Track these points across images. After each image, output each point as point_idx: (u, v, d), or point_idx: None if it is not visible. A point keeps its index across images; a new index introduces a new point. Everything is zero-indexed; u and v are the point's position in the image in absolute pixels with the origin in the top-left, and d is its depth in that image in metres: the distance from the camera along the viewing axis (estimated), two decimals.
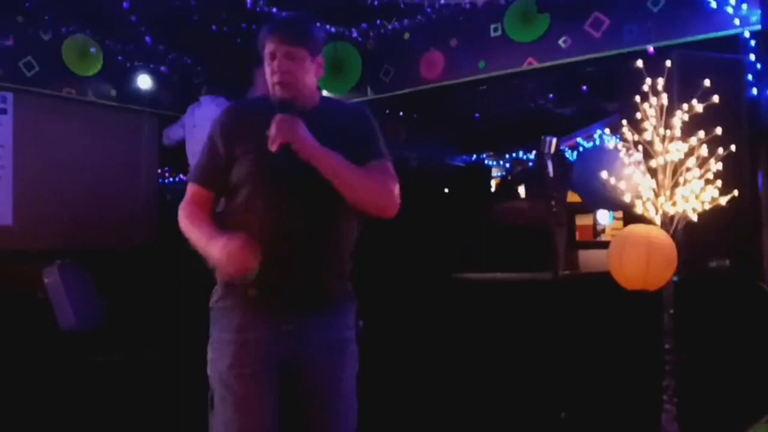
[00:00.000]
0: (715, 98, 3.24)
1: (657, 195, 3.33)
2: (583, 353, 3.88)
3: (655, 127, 3.31)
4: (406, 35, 5.38)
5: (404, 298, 4.30)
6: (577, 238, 5.43)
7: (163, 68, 5.77)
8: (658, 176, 3.33)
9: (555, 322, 3.89)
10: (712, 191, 3.29)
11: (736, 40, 4.09)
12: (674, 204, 3.30)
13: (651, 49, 3.93)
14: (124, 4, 4.77)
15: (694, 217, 3.27)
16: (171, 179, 6.91)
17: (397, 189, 2.08)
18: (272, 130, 1.97)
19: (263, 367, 2.04)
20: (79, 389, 4.24)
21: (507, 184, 6.60)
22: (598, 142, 4.53)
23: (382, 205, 2.06)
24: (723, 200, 3.28)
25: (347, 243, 2.17)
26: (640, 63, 3.29)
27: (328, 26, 5.01)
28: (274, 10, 4.40)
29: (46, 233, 5.17)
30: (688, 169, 3.28)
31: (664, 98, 3.27)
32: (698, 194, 3.29)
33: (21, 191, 5.13)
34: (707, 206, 3.29)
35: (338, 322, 2.14)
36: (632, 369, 3.72)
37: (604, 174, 3.45)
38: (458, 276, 4.35)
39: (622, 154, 3.43)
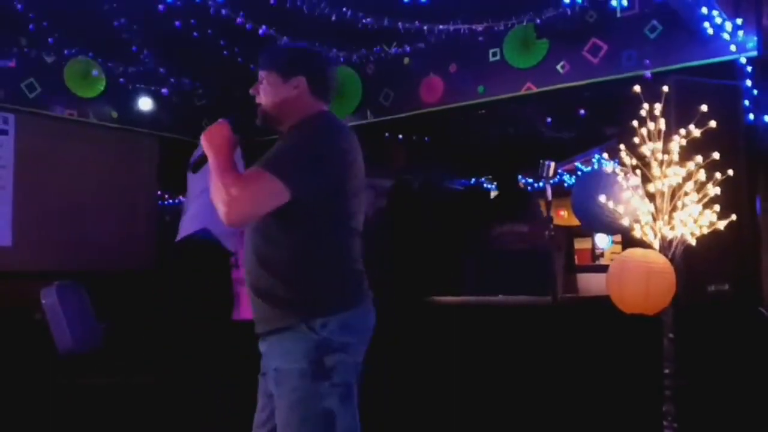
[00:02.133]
0: (713, 123, 3.25)
1: (655, 219, 3.32)
2: (582, 378, 3.84)
3: (653, 152, 3.31)
4: (406, 60, 5.41)
5: (398, 321, 4.27)
6: (576, 261, 5.41)
7: (164, 90, 5.79)
8: (657, 200, 3.32)
9: (553, 347, 3.86)
10: (711, 215, 3.29)
11: (733, 66, 4.11)
12: (672, 228, 3.30)
13: (648, 74, 3.96)
14: (126, 27, 4.80)
15: (693, 241, 3.27)
16: (171, 201, 6.91)
17: (238, 198, 1.93)
18: None
19: (263, 375, 2.24)
20: (75, 412, 4.19)
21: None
22: (596, 166, 4.52)
23: (217, 207, 1.96)
24: (721, 224, 3.28)
25: (279, 265, 2.07)
26: (637, 88, 3.29)
27: (330, 50, 5.02)
28: (272, 32, 4.41)
29: (46, 254, 5.15)
30: (686, 194, 3.28)
31: (662, 123, 3.28)
32: (696, 218, 3.29)
33: (21, 212, 5.12)
34: (705, 230, 3.29)
35: (274, 350, 2.09)
36: (632, 394, 3.67)
37: (602, 198, 3.45)
38: (453, 300, 4.32)
39: (621, 178, 3.42)
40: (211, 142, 2.06)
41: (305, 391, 2.01)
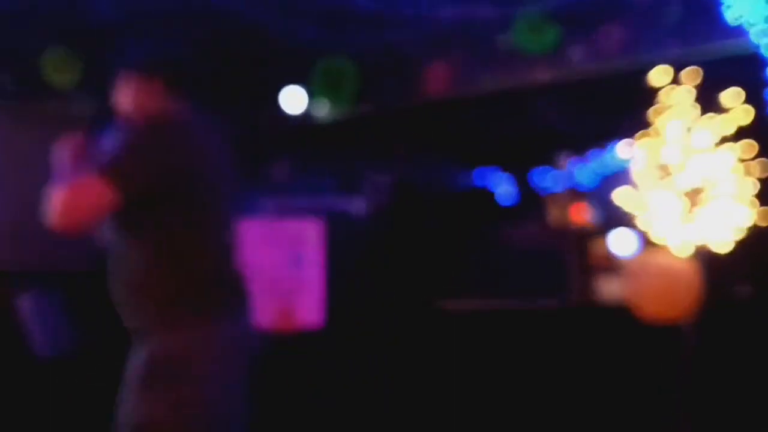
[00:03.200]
0: (735, 116, 3.14)
1: (676, 218, 3.18)
2: (598, 384, 3.73)
3: (673, 146, 3.18)
4: (408, 47, 5.21)
5: (406, 324, 4.13)
6: (593, 263, 5.27)
7: None
8: (678, 198, 3.19)
9: (566, 352, 3.73)
10: (737, 214, 3.15)
11: (756, 57, 3.94)
12: (696, 228, 3.16)
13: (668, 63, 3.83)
14: (105, 16, 4.62)
15: (718, 247, 3.13)
16: None
17: (65, 201, 1.93)
18: None
19: None
20: (54, 417, 4.06)
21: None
22: (613, 160, 4.45)
23: (50, 214, 1.96)
24: (749, 226, 3.15)
25: (131, 271, 2.06)
26: (656, 78, 3.19)
27: (328, 37, 4.85)
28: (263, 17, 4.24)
29: (24, 253, 4.93)
30: (709, 190, 3.15)
31: (682, 115, 3.18)
32: (721, 217, 3.16)
33: None
34: (731, 231, 3.15)
35: (132, 358, 2.10)
36: (650, 401, 3.53)
37: (620, 195, 3.34)
38: (461, 304, 4.19)
39: (639, 173, 3.30)
40: (63, 153, 2.11)
41: (137, 399, 2.01)
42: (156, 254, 2.03)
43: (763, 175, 3.18)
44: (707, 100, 3.22)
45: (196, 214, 2.06)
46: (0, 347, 4.40)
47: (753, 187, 3.19)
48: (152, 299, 2.05)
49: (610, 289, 4.04)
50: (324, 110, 5.68)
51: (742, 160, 3.15)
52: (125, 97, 2.20)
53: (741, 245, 3.27)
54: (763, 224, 3.18)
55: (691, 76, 3.28)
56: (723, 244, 3.18)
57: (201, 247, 2.07)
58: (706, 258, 3.22)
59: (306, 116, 5.70)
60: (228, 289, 2.12)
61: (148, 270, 2.03)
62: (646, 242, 3.52)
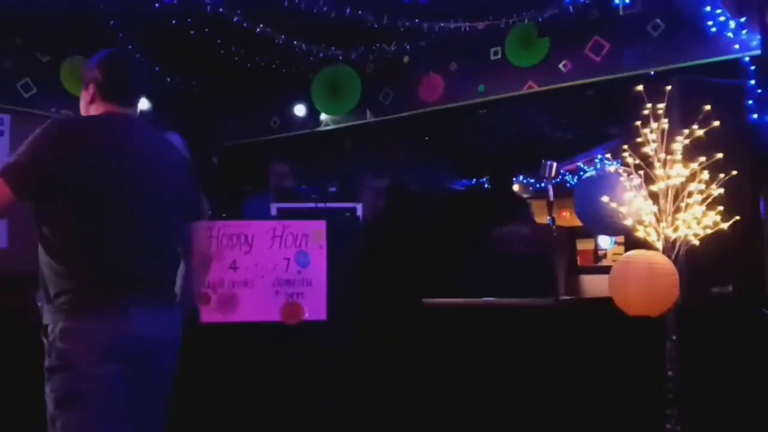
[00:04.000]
0: (716, 123, 3.22)
1: (658, 220, 3.29)
2: (584, 381, 3.77)
3: (656, 152, 3.27)
4: (406, 58, 5.37)
5: (398, 323, 4.22)
6: (578, 263, 5.33)
7: (158, 89, 5.72)
8: (660, 201, 3.29)
9: (555, 349, 3.80)
10: (714, 216, 3.26)
11: (737, 65, 4.08)
12: (676, 229, 3.26)
13: (653, 73, 3.93)
14: (121, 25, 4.75)
15: (696, 242, 3.24)
16: None
17: None
18: None
19: None
20: None
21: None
22: (598, 167, 4.51)
23: None
24: (725, 226, 3.25)
25: (42, 265, 2.17)
26: (640, 87, 3.26)
27: (329, 48, 4.99)
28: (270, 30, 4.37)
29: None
30: (689, 194, 3.24)
31: (665, 123, 3.24)
32: (700, 219, 3.26)
33: (16, 213, 5.04)
34: (709, 231, 3.25)
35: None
36: (635, 397, 3.59)
37: (605, 199, 3.43)
38: (453, 302, 4.26)
39: (623, 178, 3.40)
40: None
41: (46, 391, 2.11)
42: (47, 247, 2.13)
43: (733, 177, 3.27)
44: (690, 110, 3.31)
45: (83, 212, 2.12)
46: (16, 347, 4.49)
47: (730, 190, 3.28)
48: (45, 291, 2.14)
49: (596, 286, 4.08)
50: (325, 118, 5.83)
51: (718, 166, 3.23)
52: (83, 103, 2.36)
53: (722, 246, 3.37)
54: (736, 223, 3.27)
55: (674, 86, 3.37)
56: (701, 243, 3.28)
57: (88, 243, 2.11)
58: (687, 257, 3.29)
59: (308, 123, 5.84)
60: (118, 287, 2.12)
61: (46, 261, 2.14)
62: (630, 242, 3.61)
